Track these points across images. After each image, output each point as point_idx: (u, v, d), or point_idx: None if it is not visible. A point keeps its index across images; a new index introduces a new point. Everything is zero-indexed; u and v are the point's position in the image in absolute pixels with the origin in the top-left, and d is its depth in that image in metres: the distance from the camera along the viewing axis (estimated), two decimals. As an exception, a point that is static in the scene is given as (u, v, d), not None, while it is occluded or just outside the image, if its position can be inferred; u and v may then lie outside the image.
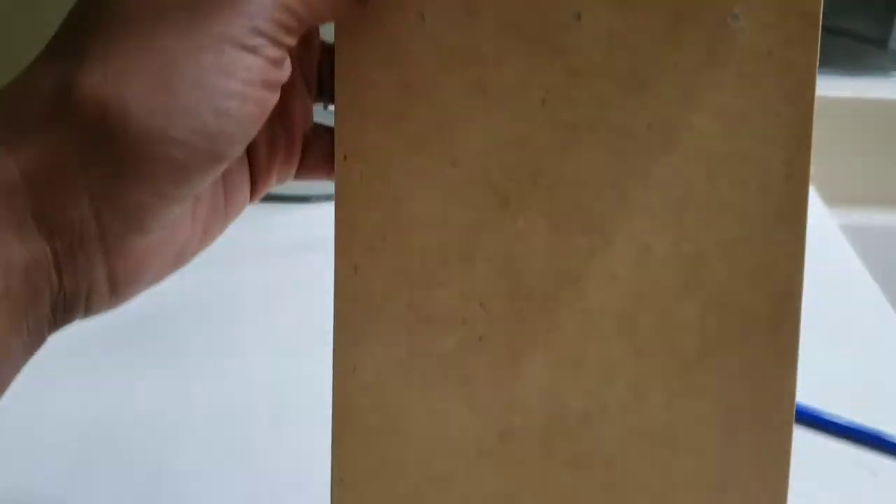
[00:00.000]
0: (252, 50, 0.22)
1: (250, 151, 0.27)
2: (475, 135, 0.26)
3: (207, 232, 0.26)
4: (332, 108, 0.27)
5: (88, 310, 0.23)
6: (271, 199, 0.65)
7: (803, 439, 0.43)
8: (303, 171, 0.29)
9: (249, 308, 0.54)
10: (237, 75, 0.21)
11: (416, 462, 0.27)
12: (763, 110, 0.25)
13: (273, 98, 0.23)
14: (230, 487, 0.40)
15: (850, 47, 0.93)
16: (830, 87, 0.80)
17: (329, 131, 0.28)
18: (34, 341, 0.22)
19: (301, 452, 0.39)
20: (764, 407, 0.26)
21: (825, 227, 0.65)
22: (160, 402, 0.45)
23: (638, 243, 0.26)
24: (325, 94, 0.28)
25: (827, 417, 0.44)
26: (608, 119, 0.26)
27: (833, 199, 0.70)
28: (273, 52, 0.22)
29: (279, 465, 0.41)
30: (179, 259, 0.25)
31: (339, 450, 0.27)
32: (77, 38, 0.22)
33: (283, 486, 0.40)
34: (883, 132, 0.80)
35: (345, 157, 0.26)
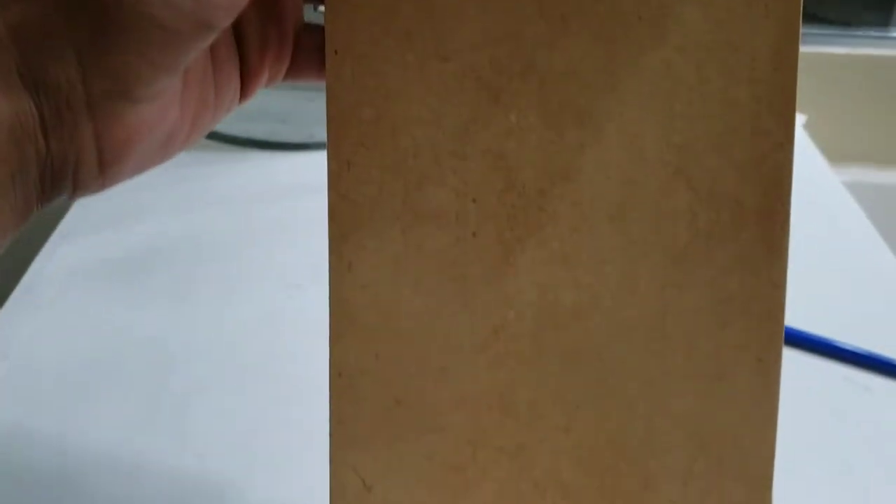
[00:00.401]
0: None
1: (241, 46, 0.27)
2: (465, 29, 0.26)
3: (196, 123, 0.26)
4: (322, 8, 0.28)
5: (77, 184, 0.23)
6: (273, 146, 0.66)
7: (798, 360, 0.44)
8: (293, 71, 0.29)
9: (253, 245, 0.54)
10: None
11: (413, 357, 0.27)
12: (751, 0, 0.25)
13: None
14: (229, 405, 0.41)
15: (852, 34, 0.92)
16: (837, 45, 0.79)
17: (319, 30, 0.28)
18: (22, 209, 0.22)
19: (299, 374, 0.39)
20: (755, 296, 0.27)
21: (828, 183, 0.65)
22: (162, 329, 0.46)
23: (629, 135, 0.26)
24: None
25: (820, 338, 0.45)
26: (597, 10, 0.26)
27: (837, 157, 0.69)
28: None
29: (278, 385, 0.42)
30: (167, 147, 0.25)
31: (336, 345, 0.27)
32: None
33: (280, 403, 0.41)
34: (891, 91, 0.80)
35: (335, 52, 0.26)
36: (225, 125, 0.64)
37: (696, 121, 0.26)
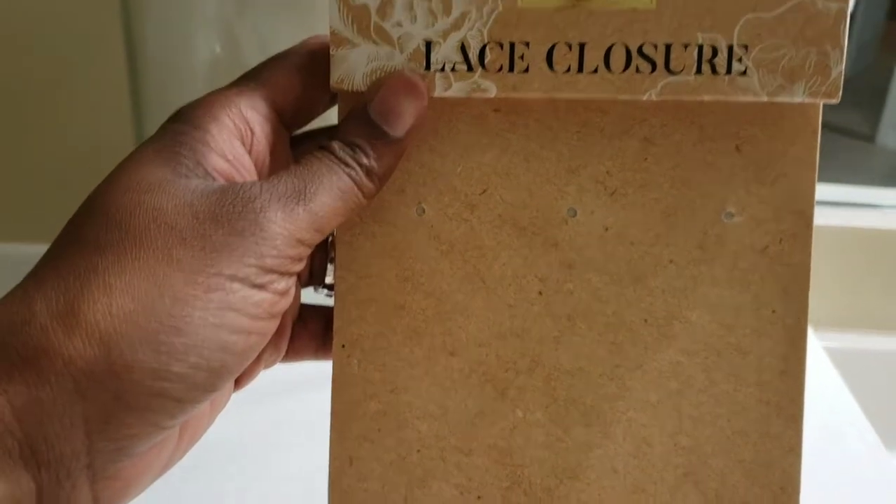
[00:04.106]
0: (261, 286, 0.22)
1: None
2: (473, 325, 0.26)
3: (193, 437, 0.25)
4: (322, 290, 0.28)
5: None
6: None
7: None
8: (289, 355, 0.28)
9: (246, 454, 0.51)
10: (245, 311, 0.21)
11: None
12: (758, 305, 0.26)
13: (275, 325, 0.23)
14: None
15: (840, 142, 0.94)
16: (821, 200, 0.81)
17: (312, 312, 0.27)
18: None
19: None
20: None
21: (811, 350, 0.65)
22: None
23: (636, 436, 0.26)
24: (315, 277, 0.28)
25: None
26: (604, 312, 0.26)
27: (820, 322, 0.70)
28: (282, 284, 0.22)
29: None
30: (166, 467, 0.24)
31: None
32: (78, 260, 0.21)
33: None
34: (870, 259, 0.82)
35: (343, 346, 0.26)
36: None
37: (704, 423, 0.26)
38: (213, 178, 0.23)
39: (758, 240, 0.25)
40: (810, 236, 0.25)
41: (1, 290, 0.23)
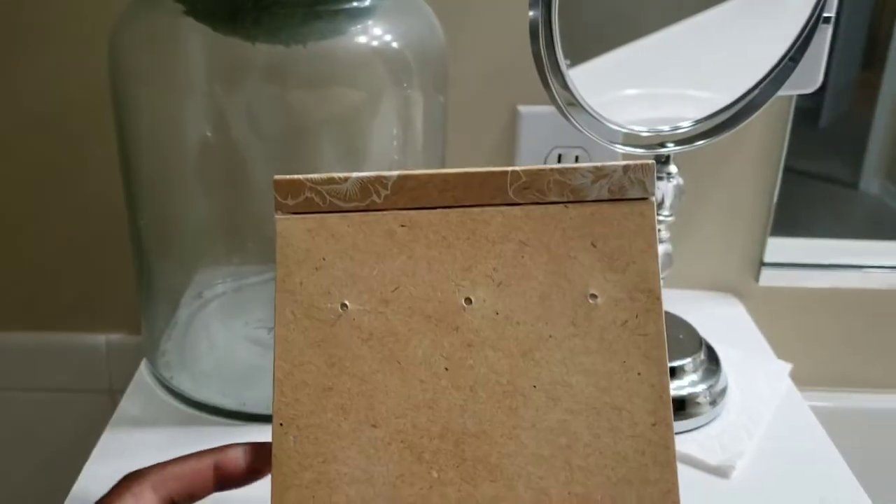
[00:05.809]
0: None
1: None
2: (392, 400, 0.31)
3: None
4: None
5: None
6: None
7: None
8: None
9: None
10: None
11: None
12: (625, 370, 0.31)
13: None
14: None
15: (825, 191, 0.96)
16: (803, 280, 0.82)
17: None
18: None
19: None
20: None
21: (798, 409, 0.65)
22: None
23: (536, 487, 0.30)
24: None
25: None
26: (500, 381, 0.31)
27: (806, 381, 0.70)
28: None
29: None
30: None
31: None
32: None
33: None
34: (856, 319, 0.84)
35: (280, 425, 0.31)
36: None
37: (592, 472, 0.30)
38: None
39: (618, 316, 0.31)
40: (661, 310, 0.32)
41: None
